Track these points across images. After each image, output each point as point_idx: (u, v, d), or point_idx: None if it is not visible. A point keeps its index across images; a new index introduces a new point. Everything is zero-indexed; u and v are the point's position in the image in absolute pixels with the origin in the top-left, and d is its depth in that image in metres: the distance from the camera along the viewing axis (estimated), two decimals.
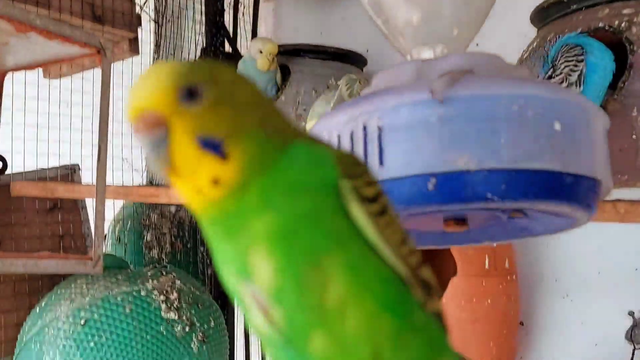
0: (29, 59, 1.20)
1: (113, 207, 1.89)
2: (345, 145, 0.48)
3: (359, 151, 0.48)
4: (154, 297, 1.22)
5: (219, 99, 0.35)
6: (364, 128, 0.48)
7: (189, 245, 1.80)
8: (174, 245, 1.79)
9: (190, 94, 0.34)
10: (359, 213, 0.35)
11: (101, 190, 1.16)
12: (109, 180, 1.22)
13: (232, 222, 0.35)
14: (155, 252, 1.75)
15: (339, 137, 0.49)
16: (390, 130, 0.46)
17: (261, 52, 1.38)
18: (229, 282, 0.37)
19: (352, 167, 0.36)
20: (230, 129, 0.34)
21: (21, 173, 1.38)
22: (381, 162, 0.46)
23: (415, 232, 0.59)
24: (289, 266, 0.34)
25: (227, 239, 0.36)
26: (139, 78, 0.36)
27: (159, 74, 0.35)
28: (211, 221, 0.36)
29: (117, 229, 1.77)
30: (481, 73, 0.49)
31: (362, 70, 1.60)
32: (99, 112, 1.17)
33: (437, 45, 0.59)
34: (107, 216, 1.80)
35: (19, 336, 1.30)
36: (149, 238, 1.71)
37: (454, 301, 1.10)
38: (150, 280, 1.25)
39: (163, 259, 1.76)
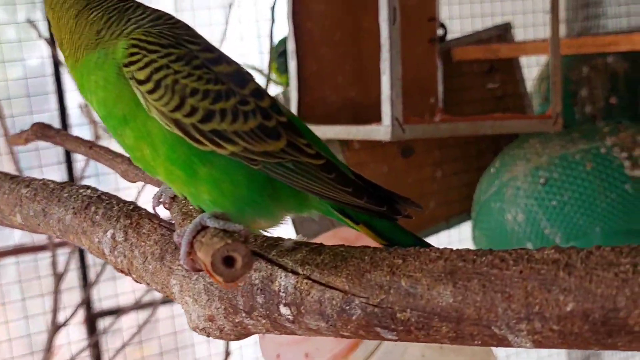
0: None
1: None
2: None
3: None
4: (614, 154, 1.29)
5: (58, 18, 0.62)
6: None
7: (625, 100, 1.81)
8: (608, 100, 1.81)
9: None
10: (135, 92, 0.56)
11: (555, 44, 1.24)
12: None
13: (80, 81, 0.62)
14: (588, 109, 1.80)
15: None
16: None
17: None
18: None
19: (141, 54, 0.56)
20: (61, 35, 0.62)
21: (458, 39, 1.54)
22: None
23: None
24: (108, 115, 0.59)
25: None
26: None
27: None
28: None
29: (541, 87, 1.86)
30: None
31: None
32: None
33: None
34: (529, 74, 1.91)
35: (475, 196, 1.51)
36: (582, 94, 1.77)
37: None
38: (608, 137, 1.32)
39: (596, 117, 1.80)
